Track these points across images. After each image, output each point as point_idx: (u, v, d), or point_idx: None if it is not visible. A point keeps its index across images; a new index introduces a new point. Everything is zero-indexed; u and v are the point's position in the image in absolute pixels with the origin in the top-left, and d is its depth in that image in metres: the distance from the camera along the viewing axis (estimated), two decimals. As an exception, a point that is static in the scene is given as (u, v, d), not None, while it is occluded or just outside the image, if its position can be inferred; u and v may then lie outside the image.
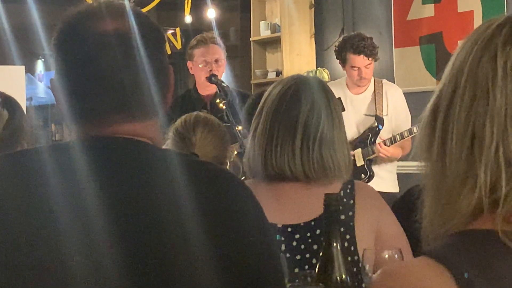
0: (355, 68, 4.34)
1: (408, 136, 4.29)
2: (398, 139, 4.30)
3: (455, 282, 0.91)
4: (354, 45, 4.31)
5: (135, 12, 1.34)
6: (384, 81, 4.54)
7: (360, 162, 4.34)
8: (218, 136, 2.64)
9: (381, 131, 4.35)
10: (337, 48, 4.47)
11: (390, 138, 4.32)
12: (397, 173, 4.53)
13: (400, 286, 0.94)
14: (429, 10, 5.36)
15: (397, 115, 4.41)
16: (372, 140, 4.35)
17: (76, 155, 1.26)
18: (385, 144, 4.30)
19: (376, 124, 4.36)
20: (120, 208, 1.21)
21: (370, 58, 4.31)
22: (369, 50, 4.29)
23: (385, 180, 4.36)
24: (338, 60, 4.49)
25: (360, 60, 4.31)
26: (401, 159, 4.46)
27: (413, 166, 4.86)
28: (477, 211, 0.98)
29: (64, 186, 1.22)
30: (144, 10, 6.04)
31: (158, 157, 1.29)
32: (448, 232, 1.00)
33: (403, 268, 0.99)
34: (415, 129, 4.26)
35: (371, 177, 4.35)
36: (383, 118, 4.36)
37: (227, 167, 4.10)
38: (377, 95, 4.42)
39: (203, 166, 1.33)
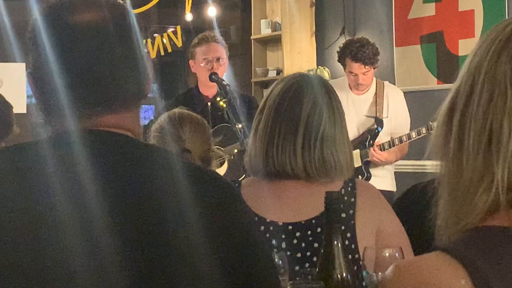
0: (353, 74, 4.37)
1: (406, 141, 4.33)
2: (397, 143, 4.33)
3: (469, 277, 0.92)
4: (353, 51, 4.32)
5: (110, 3, 1.33)
6: (386, 83, 4.56)
7: (358, 163, 4.35)
8: (205, 131, 2.66)
9: (379, 132, 4.38)
10: (338, 51, 4.50)
11: (389, 141, 4.35)
12: (394, 172, 4.56)
13: (413, 280, 0.95)
14: (430, 9, 5.36)
15: (397, 117, 4.44)
16: (371, 142, 4.38)
17: (53, 150, 1.25)
18: (383, 148, 4.34)
19: (375, 126, 4.38)
20: (108, 201, 1.21)
21: (367, 67, 4.33)
22: (367, 59, 4.30)
23: (382, 178, 4.38)
24: (340, 63, 4.52)
25: (357, 68, 4.34)
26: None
27: (409, 165, 4.90)
28: (493, 209, 0.98)
29: (48, 182, 1.22)
30: (145, 7, 6.04)
31: (140, 151, 1.29)
32: (463, 229, 1.00)
33: (417, 262, 0.99)
34: (414, 134, 4.30)
35: (368, 178, 4.37)
36: (382, 120, 4.39)
37: (225, 163, 4.11)
38: (378, 97, 4.45)
39: (187, 164, 1.35)
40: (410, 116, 4.52)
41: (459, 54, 5.16)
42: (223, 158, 4.16)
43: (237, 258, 1.24)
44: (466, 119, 1.01)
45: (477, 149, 0.99)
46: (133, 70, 1.31)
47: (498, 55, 1.01)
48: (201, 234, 1.22)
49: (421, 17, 5.42)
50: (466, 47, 5.07)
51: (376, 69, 4.44)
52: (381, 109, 4.42)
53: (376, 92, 4.46)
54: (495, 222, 0.98)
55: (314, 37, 6.20)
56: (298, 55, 6.17)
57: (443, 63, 5.29)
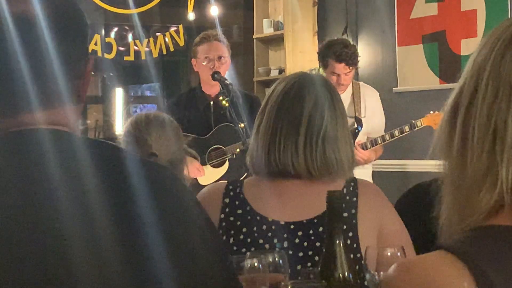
0: (335, 75, 4.42)
1: (389, 140, 4.38)
2: (380, 142, 4.38)
3: (472, 276, 0.92)
4: (337, 52, 4.39)
5: None
6: (361, 83, 4.63)
7: None
8: (172, 132, 2.65)
9: (360, 132, 4.43)
10: (319, 52, 4.55)
11: (371, 140, 4.39)
12: (373, 171, 4.62)
13: (416, 279, 0.95)
14: (432, 9, 5.36)
15: (374, 118, 4.51)
16: (352, 141, 4.41)
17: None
18: (365, 147, 4.37)
19: (355, 125, 4.42)
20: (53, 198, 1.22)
21: (350, 67, 4.39)
22: (351, 60, 4.40)
23: (360, 176, 4.40)
24: (319, 63, 4.56)
25: (341, 68, 4.40)
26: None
27: (389, 165, 4.90)
28: (497, 208, 0.98)
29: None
30: (147, 7, 6.04)
31: (77, 145, 1.30)
32: (467, 227, 1.00)
33: (419, 261, 0.99)
34: (397, 132, 4.34)
35: None
36: (362, 120, 4.43)
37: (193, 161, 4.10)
38: (355, 97, 4.51)
39: (123, 153, 1.35)
40: (412, 116, 4.53)
41: (462, 54, 5.16)
42: (224, 158, 4.16)
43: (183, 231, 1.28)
44: (470, 118, 1.01)
45: (481, 148, 0.99)
46: (62, 67, 1.29)
47: (502, 55, 1.01)
48: (155, 217, 1.25)
49: (424, 16, 5.41)
50: (469, 47, 5.06)
51: (357, 70, 4.52)
52: (359, 109, 4.48)
53: (353, 92, 4.52)
54: (498, 221, 0.98)
55: (316, 37, 6.20)
56: (300, 55, 6.18)
57: (446, 63, 5.28)
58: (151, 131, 2.58)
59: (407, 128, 4.32)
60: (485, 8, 5.06)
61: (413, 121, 4.33)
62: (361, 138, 4.43)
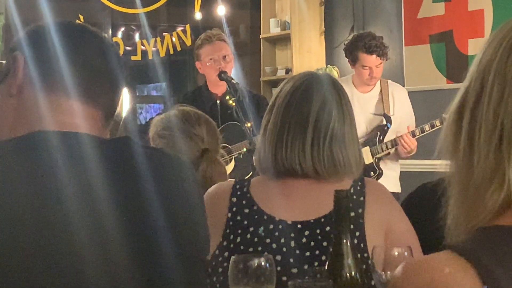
0: (366, 68, 4.35)
1: (438, 126, 4.23)
2: (428, 129, 4.27)
3: (478, 277, 0.91)
4: (367, 44, 4.32)
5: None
6: (389, 81, 4.56)
7: (368, 160, 4.35)
8: (218, 132, 2.68)
9: (389, 129, 4.38)
10: (347, 47, 4.48)
11: (420, 127, 4.30)
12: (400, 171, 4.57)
13: (423, 280, 0.95)
14: (439, 8, 5.35)
15: (403, 116, 4.44)
16: (381, 138, 4.37)
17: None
18: (414, 134, 4.29)
19: (385, 122, 4.38)
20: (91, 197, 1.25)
21: (381, 58, 4.33)
22: (381, 50, 4.33)
23: (387, 178, 4.37)
24: (348, 59, 4.50)
25: (372, 60, 4.33)
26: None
27: (416, 165, 4.85)
28: (504, 208, 0.98)
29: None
30: (154, 6, 6.06)
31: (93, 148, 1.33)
32: (473, 228, 1.00)
33: (426, 262, 0.99)
34: (427, 127, 4.27)
35: (380, 175, 4.36)
36: (391, 117, 4.38)
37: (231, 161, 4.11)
38: (383, 95, 4.45)
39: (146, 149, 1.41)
40: (419, 116, 4.51)
41: (469, 54, 5.15)
42: (230, 156, 4.16)
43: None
44: (477, 119, 1.01)
45: (488, 148, 0.99)
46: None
47: (507, 55, 1.01)
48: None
49: (431, 16, 5.41)
50: (476, 47, 5.05)
51: (387, 60, 4.45)
52: (388, 106, 4.42)
53: (381, 90, 4.46)
54: (505, 221, 0.98)
55: (323, 36, 6.20)
56: (307, 54, 6.17)
57: (453, 63, 5.28)
58: (203, 126, 2.60)
59: (437, 123, 4.23)
60: (492, 8, 5.05)
61: (443, 115, 4.25)
62: (390, 135, 4.39)
